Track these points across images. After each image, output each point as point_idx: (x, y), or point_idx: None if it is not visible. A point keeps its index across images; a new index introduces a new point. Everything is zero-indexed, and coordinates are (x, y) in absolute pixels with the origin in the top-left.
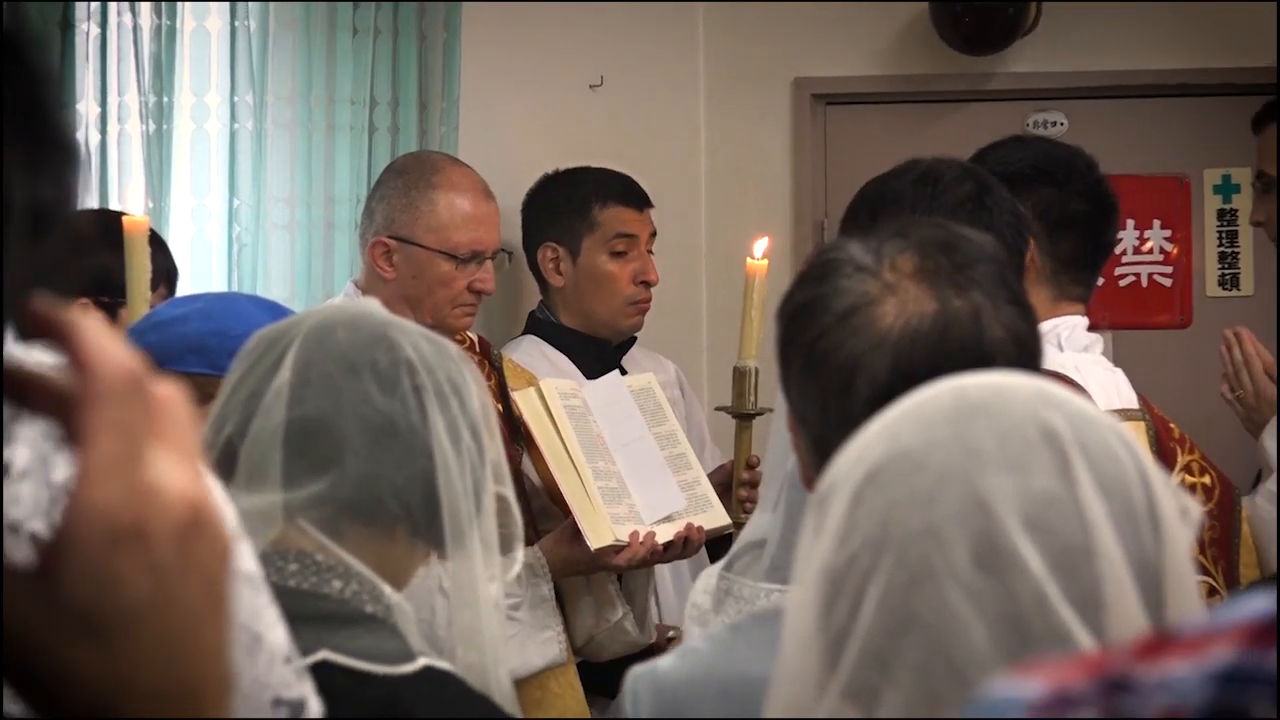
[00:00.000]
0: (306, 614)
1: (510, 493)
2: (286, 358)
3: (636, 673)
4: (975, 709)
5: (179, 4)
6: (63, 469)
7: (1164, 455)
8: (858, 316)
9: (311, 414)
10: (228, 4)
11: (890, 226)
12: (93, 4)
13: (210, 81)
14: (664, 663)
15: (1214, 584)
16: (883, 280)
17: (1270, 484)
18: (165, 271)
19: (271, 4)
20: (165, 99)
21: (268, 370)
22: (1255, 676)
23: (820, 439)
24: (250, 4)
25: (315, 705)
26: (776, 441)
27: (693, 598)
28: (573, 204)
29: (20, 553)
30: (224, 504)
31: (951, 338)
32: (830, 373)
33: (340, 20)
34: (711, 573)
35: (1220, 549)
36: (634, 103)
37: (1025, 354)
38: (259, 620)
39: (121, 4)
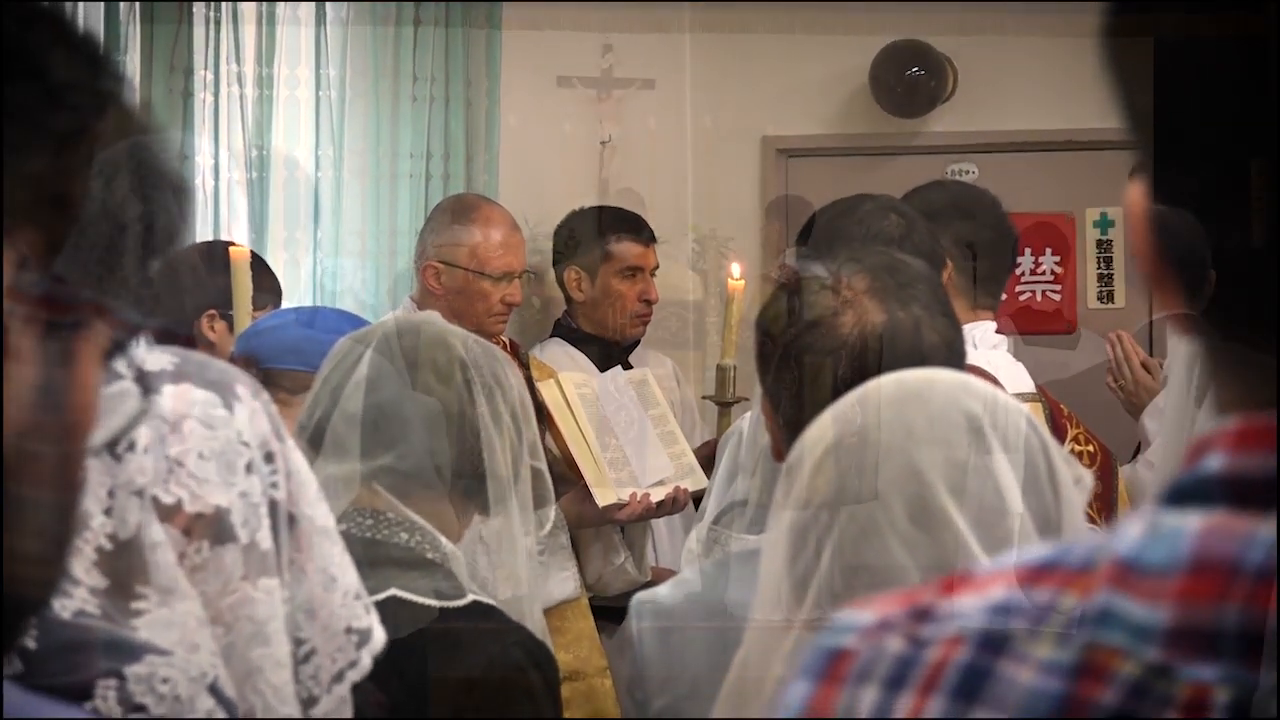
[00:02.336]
0: (380, 559)
1: (543, 465)
2: (365, 357)
3: (639, 597)
4: (823, 632)
5: (275, 78)
6: (176, 446)
7: (1057, 429)
8: (822, 324)
9: (384, 401)
10: (314, 78)
11: (845, 253)
12: (208, 77)
13: (299, 139)
14: (661, 589)
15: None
16: (842, 296)
17: (1148, 454)
18: (274, 291)
19: (349, 78)
20: (264, 152)
21: (350, 367)
22: (1018, 609)
23: (789, 421)
24: (331, 78)
25: (379, 634)
26: (756, 422)
27: (689, 544)
28: (592, 236)
29: (145, 513)
30: (308, 474)
31: (897, 343)
32: (799, 369)
33: (403, 91)
34: (703, 526)
35: (1103, 503)
36: (635, 155)
37: (953, 355)
38: (334, 564)
39: (230, 79)
